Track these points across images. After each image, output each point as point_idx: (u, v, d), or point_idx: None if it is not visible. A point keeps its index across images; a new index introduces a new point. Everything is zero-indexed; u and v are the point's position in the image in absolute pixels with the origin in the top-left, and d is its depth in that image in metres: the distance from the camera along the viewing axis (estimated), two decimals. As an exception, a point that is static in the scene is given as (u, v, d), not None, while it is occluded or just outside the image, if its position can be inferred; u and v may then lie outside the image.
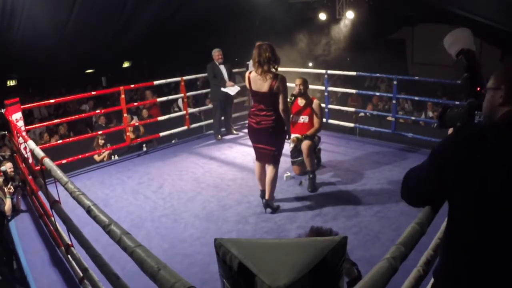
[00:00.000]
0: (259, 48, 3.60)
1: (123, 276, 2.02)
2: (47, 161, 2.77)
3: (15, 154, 5.00)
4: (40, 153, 2.96)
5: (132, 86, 6.54)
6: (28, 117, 8.95)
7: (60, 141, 5.97)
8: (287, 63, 6.78)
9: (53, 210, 3.02)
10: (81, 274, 2.83)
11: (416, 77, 7.52)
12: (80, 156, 5.53)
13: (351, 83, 9.68)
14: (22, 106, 4.91)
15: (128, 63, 13.34)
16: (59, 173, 2.48)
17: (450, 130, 1.64)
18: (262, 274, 0.85)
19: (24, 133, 4.17)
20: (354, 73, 6.58)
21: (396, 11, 10.31)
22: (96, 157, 6.28)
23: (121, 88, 5.91)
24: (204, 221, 3.99)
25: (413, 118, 7.76)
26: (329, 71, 6.63)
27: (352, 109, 7.40)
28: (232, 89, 6.32)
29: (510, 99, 1.24)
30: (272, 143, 3.79)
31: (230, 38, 9.89)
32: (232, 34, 10.22)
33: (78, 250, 2.81)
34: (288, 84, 3.75)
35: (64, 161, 5.25)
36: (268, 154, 3.85)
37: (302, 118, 4.85)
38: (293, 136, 4.60)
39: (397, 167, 5.04)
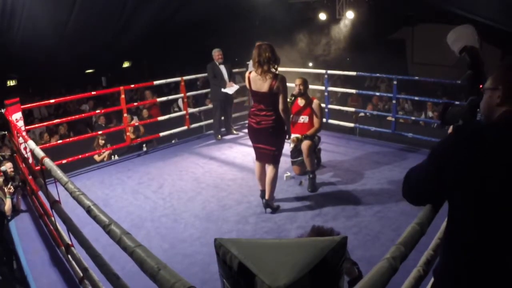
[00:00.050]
0: (259, 48, 3.60)
1: (123, 276, 2.02)
2: (47, 161, 2.77)
3: (15, 154, 5.00)
4: (40, 153, 2.96)
5: (132, 86, 6.54)
6: (28, 117, 8.95)
7: (60, 141, 5.97)
8: (287, 63, 6.78)
9: (53, 210, 3.02)
10: (81, 274, 2.83)
11: (416, 77, 7.52)
12: (80, 156, 5.53)
13: (351, 83, 9.67)
14: (22, 106, 4.91)
15: (128, 63, 13.34)
16: (59, 173, 2.48)
17: (451, 129, 1.64)
18: (262, 274, 0.85)
19: (24, 133, 4.17)
20: (354, 73, 6.58)
21: (396, 11, 10.31)
22: (96, 157, 6.28)
23: (121, 88, 5.91)
24: (204, 221, 3.99)
25: (413, 118, 7.76)
26: (329, 71, 6.63)
27: (352, 109, 7.40)
28: (231, 89, 6.33)
29: (508, 99, 1.25)
30: (272, 143, 3.79)
31: (230, 38, 9.89)
32: (232, 34, 10.22)
33: (78, 250, 2.81)
34: (288, 84, 3.75)
35: (64, 161, 5.25)
36: (268, 154, 3.85)
37: (302, 118, 4.85)
38: (293, 136, 4.60)
39: (397, 167, 5.04)
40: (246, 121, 4.34)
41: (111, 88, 7.32)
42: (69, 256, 3.12)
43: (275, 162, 3.88)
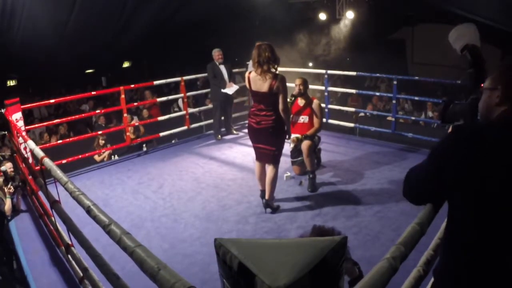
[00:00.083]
0: (258, 48, 3.60)
1: (123, 276, 2.02)
2: (47, 161, 2.77)
3: (15, 154, 5.00)
4: (40, 153, 2.96)
5: (132, 86, 6.54)
6: (28, 117, 8.95)
7: (60, 141, 5.97)
8: (287, 63, 6.78)
9: (53, 210, 3.02)
10: (81, 274, 2.83)
11: (416, 77, 7.52)
12: (80, 156, 5.54)
13: (351, 83, 9.67)
14: (22, 106, 4.91)
15: (128, 63, 13.34)
16: (59, 173, 2.48)
17: (451, 128, 1.64)
18: (262, 274, 0.85)
19: (24, 133, 4.17)
20: (354, 73, 6.58)
21: (396, 11, 10.30)
22: (96, 157, 6.28)
23: (121, 88, 5.91)
24: (204, 221, 3.99)
25: (413, 118, 7.76)
26: (329, 71, 6.63)
27: (352, 109, 7.40)
28: (231, 89, 6.33)
29: (507, 99, 1.25)
30: (272, 143, 3.79)
31: (230, 38, 9.89)
32: (232, 34, 10.22)
33: (78, 250, 2.81)
34: (288, 84, 3.75)
35: (64, 161, 5.25)
36: (268, 154, 3.85)
37: (302, 118, 4.85)
38: (293, 136, 4.60)
39: (397, 167, 5.04)
40: (246, 121, 4.34)
41: (111, 88, 7.32)
42: (69, 256, 3.12)
43: (275, 162, 3.88)
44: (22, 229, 4.05)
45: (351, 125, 6.62)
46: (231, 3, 9.69)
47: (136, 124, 6.74)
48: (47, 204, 3.38)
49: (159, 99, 7.12)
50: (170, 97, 7.13)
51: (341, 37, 10.11)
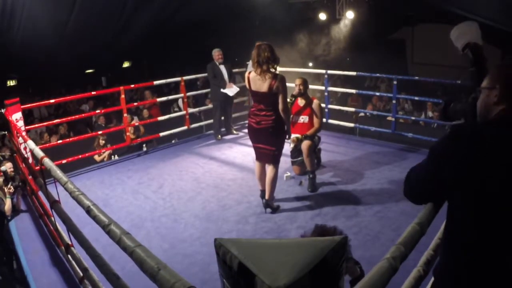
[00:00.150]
0: (258, 48, 3.60)
1: (123, 276, 2.02)
2: (47, 161, 2.77)
3: (15, 154, 5.00)
4: (40, 153, 2.96)
5: (132, 86, 6.54)
6: (28, 117, 8.95)
7: (60, 141, 5.97)
8: (287, 63, 6.78)
9: (53, 210, 3.02)
10: (81, 274, 2.83)
11: (416, 77, 7.52)
12: (80, 156, 5.53)
13: (351, 83, 9.67)
14: (22, 106, 4.91)
15: (128, 63, 13.34)
16: (59, 173, 2.48)
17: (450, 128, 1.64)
18: (262, 274, 0.85)
19: (24, 133, 4.17)
20: (354, 73, 6.58)
21: (396, 11, 10.31)
22: (97, 157, 6.28)
23: (121, 88, 5.91)
24: (204, 221, 3.99)
25: (413, 118, 7.75)
26: (329, 71, 6.63)
27: (352, 109, 7.40)
28: (231, 90, 6.33)
29: (505, 98, 1.25)
30: (272, 143, 3.79)
31: (230, 38, 9.89)
32: (232, 34, 10.22)
33: (78, 250, 2.81)
34: (288, 84, 3.75)
35: (64, 161, 5.25)
36: (268, 154, 3.85)
37: (302, 118, 4.85)
38: (293, 136, 4.60)
39: (397, 167, 5.04)
40: (246, 121, 4.34)
41: (111, 88, 7.32)
42: (69, 256, 3.12)
43: (275, 162, 3.88)
44: (22, 229, 4.05)
45: (351, 125, 6.62)
46: (231, 3, 9.69)
47: (136, 124, 6.74)
48: (47, 204, 3.38)
49: (159, 99, 7.12)
50: (170, 97, 7.13)
51: (341, 37, 10.11)
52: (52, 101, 6.01)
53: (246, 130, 4.81)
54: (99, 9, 8.06)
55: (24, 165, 4.46)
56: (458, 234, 1.27)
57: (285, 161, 4.79)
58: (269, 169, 3.89)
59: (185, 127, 6.65)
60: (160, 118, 6.69)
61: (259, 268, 0.87)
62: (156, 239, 3.70)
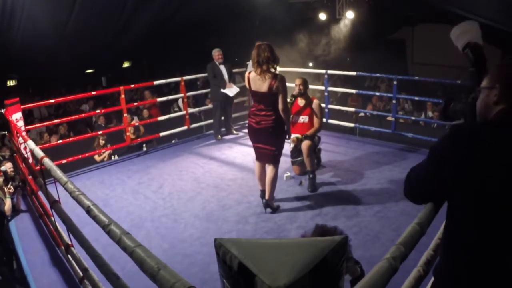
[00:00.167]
0: (258, 48, 3.61)
1: (123, 276, 2.02)
2: (47, 161, 2.77)
3: (15, 154, 5.00)
4: (40, 153, 2.96)
5: (132, 86, 6.54)
6: (28, 117, 8.95)
7: (60, 141, 5.97)
8: (287, 63, 6.79)
9: (53, 210, 3.02)
10: (81, 274, 2.83)
11: (416, 77, 7.52)
12: (80, 156, 5.53)
13: (351, 83, 9.68)
14: (22, 106, 4.91)
15: (128, 63, 13.34)
16: (59, 173, 2.48)
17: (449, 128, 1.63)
18: (262, 274, 0.85)
19: (24, 133, 4.17)
20: (354, 73, 6.58)
21: (396, 11, 10.31)
22: (97, 157, 6.28)
23: (121, 88, 5.91)
24: (204, 221, 3.99)
25: (413, 118, 7.75)
26: (329, 71, 6.63)
27: (352, 109, 7.40)
28: (231, 90, 6.33)
29: (505, 97, 1.25)
30: (272, 143, 3.79)
31: (230, 38, 9.89)
32: (232, 34, 10.22)
33: (78, 250, 2.81)
34: (288, 84, 3.75)
35: (64, 161, 5.25)
36: (268, 154, 3.85)
37: (302, 118, 4.85)
38: (293, 136, 4.60)
39: (397, 167, 5.04)
40: (246, 121, 4.34)
41: (111, 88, 7.32)
42: (69, 256, 3.12)
43: (275, 162, 3.88)
44: (22, 229, 4.05)
45: (351, 125, 6.62)
46: (231, 3, 9.69)
47: (136, 124, 6.74)
48: (47, 204, 3.38)
49: (159, 99, 7.12)
50: (170, 97, 7.13)
51: (341, 37, 10.11)
52: (52, 101, 6.01)
53: (246, 130, 4.81)
54: (99, 9, 8.06)
55: (24, 165, 4.46)
56: (458, 234, 1.27)
57: (285, 161, 4.79)
58: (269, 169, 3.89)
59: (185, 127, 6.65)
60: (160, 118, 6.69)
61: (259, 268, 0.87)
62: (156, 239, 3.70)
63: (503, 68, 1.31)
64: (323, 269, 0.89)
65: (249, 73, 3.75)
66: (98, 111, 7.67)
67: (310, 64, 10.72)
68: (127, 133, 6.02)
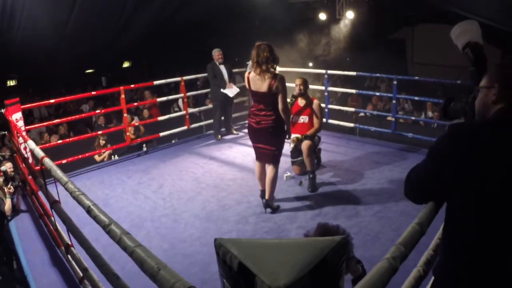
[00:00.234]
0: (257, 48, 3.61)
1: (123, 276, 2.02)
2: (47, 161, 2.77)
3: (15, 154, 5.00)
4: (40, 153, 2.96)
5: (132, 86, 6.54)
6: (28, 117, 8.95)
7: (60, 141, 5.97)
8: (287, 63, 6.79)
9: (53, 210, 3.02)
10: (81, 274, 2.83)
11: (416, 77, 7.52)
12: (80, 156, 5.53)
13: (351, 83, 9.67)
14: (22, 106, 4.91)
15: (128, 63, 13.34)
16: (59, 173, 2.48)
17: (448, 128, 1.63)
18: (262, 274, 0.85)
19: (24, 133, 4.17)
20: (354, 73, 6.58)
21: (396, 11, 10.31)
22: (97, 157, 6.28)
23: (121, 88, 5.91)
24: (204, 221, 3.99)
25: (413, 118, 7.76)
26: (329, 71, 6.63)
27: (352, 109, 7.40)
28: (231, 91, 6.33)
29: (504, 96, 1.25)
30: (272, 143, 3.80)
31: (230, 38, 9.89)
32: (232, 34, 10.22)
33: (78, 250, 2.81)
34: (288, 84, 3.75)
35: (64, 161, 5.25)
36: (268, 154, 3.85)
37: (302, 118, 4.85)
38: (293, 136, 4.60)
39: (397, 167, 5.04)
40: (246, 121, 4.34)
41: (111, 88, 7.32)
42: (69, 256, 3.12)
43: (275, 162, 3.88)
44: (22, 229, 4.05)
45: (351, 125, 6.62)
46: (231, 3, 9.69)
47: (136, 124, 6.74)
48: (47, 204, 3.38)
49: (159, 99, 7.12)
50: (170, 97, 7.13)
51: (341, 37, 10.11)
52: (52, 101, 6.01)
53: (246, 130, 4.81)
54: (99, 9, 8.06)
55: (24, 165, 4.46)
56: (458, 234, 1.27)
57: (285, 161, 4.79)
58: (269, 169, 3.89)
59: (185, 127, 6.65)
60: (160, 118, 6.69)
61: (259, 268, 0.87)
62: (156, 239, 3.70)
63: (502, 67, 1.31)
64: (323, 269, 0.89)
65: (249, 73, 3.75)
66: (98, 111, 7.67)
67: (310, 64, 10.72)
68: (127, 133, 6.02)
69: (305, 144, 4.49)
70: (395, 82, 5.92)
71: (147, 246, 1.47)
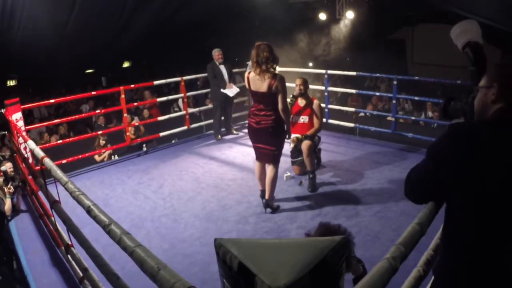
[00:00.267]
0: (257, 48, 3.61)
1: (123, 276, 2.02)
2: (47, 161, 2.77)
3: (15, 154, 5.00)
4: (40, 153, 2.96)
5: (132, 86, 6.54)
6: (28, 117, 8.95)
7: (60, 141, 5.97)
8: (287, 63, 6.79)
9: (53, 210, 3.02)
10: (81, 274, 2.83)
11: (416, 77, 7.52)
12: (80, 156, 5.53)
13: (351, 83, 9.68)
14: (22, 106, 4.91)
15: (128, 63, 13.34)
16: (59, 173, 2.48)
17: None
18: (262, 274, 0.85)
19: (24, 133, 4.17)
20: (354, 73, 6.58)
21: (396, 11, 10.31)
22: (97, 157, 6.28)
23: (121, 88, 5.91)
24: (204, 221, 3.99)
25: (413, 118, 7.76)
26: (329, 71, 6.63)
27: (352, 109, 7.40)
28: (231, 91, 6.33)
29: (503, 96, 1.25)
30: (272, 143, 3.80)
31: (230, 38, 9.89)
32: (232, 34, 10.22)
33: (78, 250, 2.81)
34: (288, 84, 3.75)
35: (64, 161, 5.25)
36: (268, 154, 3.85)
37: (302, 118, 4.85)
38: (293, 136, 4.60)
39: (397, 167, 5.04)
40: (246, 121, 4.34)
41: (111, 88, 7.32)
42: (69, 256, 3.12)
43: (275, 162, 3.88)
44: (22, 229, 4.05)
45: (351, 125, 6.62)
46: (231, 3, 9.69)
47: (136, 124, 6.74)
48: (47, 204, 3.38)
49: (159, 99, 7.12)
50: (170, 97, 7.13)
51: (341, 37, 10.11)
52: (52, 101, 6.02)
53: (246, 130, 4.81)
54: (99, 9, 8.06)
55: (24, 165, 4.46)
56: (458, 234, 1.27)
57: (285, 161, 4.79)
58: (269, 169, 3.89)
59: (185, 127, 6.65)
60: (160, 118, 6.69)
61: (259, 268, 0.87)
62: (156, 239, 3.70)
63: (501, 67, 1.31)
64: (323, 269, 0.89)
65: (249, 73, 3.75)
66: (98, 111, 7.66)
67: (310, 64, 10.72)
68: (127, 133, 6.02)
69: (305, 144, 4.49)
70: (395, 82, 5.92)
71: (147, 246, 1.47)
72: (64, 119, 6.40)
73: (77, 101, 10.13)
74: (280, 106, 3.65)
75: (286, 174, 4.84)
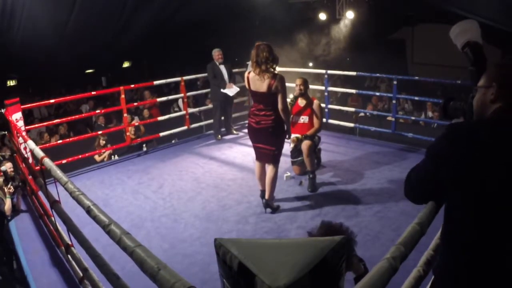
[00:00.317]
0: (257, 48, 3.61)
1: (123, 276, 2.02)
2: (47, 161, 2.77)
3: (15, 154, 5.00)
4: (40, 153, 2.96)
5: (132, 86, 6.54)
6: (28, 117, 8.95)
7: (60, 141, 5.97)
8: (287, 63, 6.79)
9: (53, 210, 3.02)
10: (81, 274, 2.83)
11: (416, 77, 7.52)
12: (80, 156, 5.53)
13: (351, 83, 9.68)
14: (22, 106, 4.91)
15: (128, 63, 13.34)
16: (59, 173, 2.48)
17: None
18: (262, 274, 0.85)
19: (24, 133, 4.17)
20: (354, 73, 6.58)
21: (396, 11, 10.31)
22: (97, 157, 6.28)
23: (121, 88, 5.91)
24: (204, 221, 3.99)
25: (413, 118, 7.76)
26: (329, 71, 6.63)
27: (352, 109, 7.40)
28: (231, 90, 6.33)
29: (502, 96, 1.25)
30: (272, 143, 3.80)
31: (230, 38, 9.89)
32: (232, 34, 10.23)
33: (78, 250, 2.81)
34: (288, 84, 3.75)
35: (64, 161, 5.25)
36: (268, 154, 3.85)
37: (302, 118, 4.85)
38: (293, 136, 4.60)
39: (397, 167, 5.04)
40: (246, 121, 4.34)
41: (111, 88, 7.32)
42: (69, 256, 3.12)
43: (275, 162, 3.88)
44: (22, 229, 4.05)
45: (351, 125, 6.62)
46: (231, 3, 9.69)
47: (136, 124, 6.74)
48: (47, 204, 3.38)
49: (159, 99, 7.12)
50: (170, 97, 7.13)
51: (341, 37, 10.11)
52: (52, 101, 6.02)
53: (246, 130, 4.81)
54: (99, 9, 8.06)
55: (24, 165, 4.46)
56: (458, 234, 1.27)
57: (285, 161, 4.79)
58: (269, 169, 3.89)
59: (185, 127, 6.65)
60: (160, 118, 6.69)
61: (259, 268, 0.87)
62: (156, 239, 3.70)
63: (500, 67, 1.31)
64: (323, 269, 0.89)
65: (249, 73, 3.75)
66: (98, 111, 7.66)
67: (310, 64, 10.72)
68: (127, 133, 6.02)
69: (305, 144, 4.49)
70: (395, 82, 5.92)
71: (147, 246, 1.47)
72: (64, 119, 6.40)
73: (77, 101, 10.13)
74: (280, 106, 3.65)
75: (286, 174, 4.84)
